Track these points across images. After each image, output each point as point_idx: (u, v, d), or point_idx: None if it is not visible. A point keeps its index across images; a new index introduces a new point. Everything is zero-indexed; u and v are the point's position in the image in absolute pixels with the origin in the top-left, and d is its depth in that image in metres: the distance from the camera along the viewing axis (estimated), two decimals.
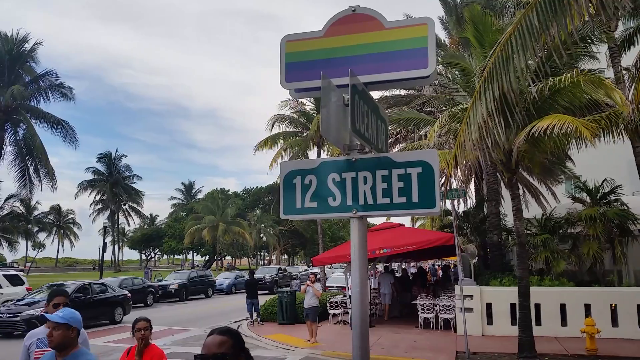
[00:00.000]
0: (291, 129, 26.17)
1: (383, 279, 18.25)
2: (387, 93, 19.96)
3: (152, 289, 26.16)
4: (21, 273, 24.62)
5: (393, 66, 2.67)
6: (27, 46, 29.20)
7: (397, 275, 23.11)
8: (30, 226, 67.21)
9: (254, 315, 17.07)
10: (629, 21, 14.84)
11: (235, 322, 17.89)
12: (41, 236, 78.22)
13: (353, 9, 2.79)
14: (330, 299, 16.99)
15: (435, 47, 2.64)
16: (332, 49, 2.80)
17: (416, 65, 2.63)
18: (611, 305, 12.68)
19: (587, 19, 5.66)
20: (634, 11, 13.49)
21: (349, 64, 2.71)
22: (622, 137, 12.43)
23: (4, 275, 20.34)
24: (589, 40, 11.16)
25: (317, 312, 13.54)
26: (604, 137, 12.22)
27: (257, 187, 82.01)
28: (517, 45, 6.00)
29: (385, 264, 23.81)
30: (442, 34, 23.93)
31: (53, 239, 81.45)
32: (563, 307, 12.84)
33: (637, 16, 14.10)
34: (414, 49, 2.64)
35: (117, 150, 75.76)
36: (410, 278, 23.07)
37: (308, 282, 13.83)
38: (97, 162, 71.90)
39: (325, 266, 25.66)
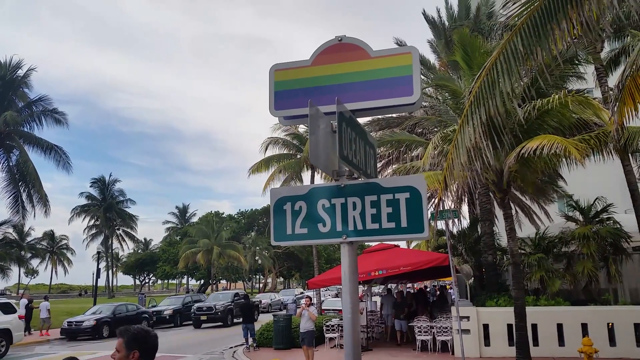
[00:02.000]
0: (284, 152, 26.27)
1: (386, 301, 18.25)
2: (379, 115, 20.16)
3: (147, 315, 25.85)
4: (13, 301, 24.28)
5: (379, 94, 2.74)
6: (21, 72, 29.40)
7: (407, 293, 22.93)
8: (23, 252, 66.53)
9: (250, 340, 16.86)
10: (614, 42, 15.15)
11: (231, 347, 17.65)
12: (34, 262, 77.39)
13: (339, 38, 2.87)
14: (326, 322, 16.83)
15: (419, 75, 2.71)
16: (319, 77, 2.87)
17: (402, 92, 2.70)
18: (608, 324, 12.63)
19: (570, 42, 5.77)
20: (618, 33, 13.79)
21: (336, 92, 2.77)
22: (612, 155, 12.59)
23: None
24: (576, 62, 11.37)
25: (314, 336, 13.37)
26: (594, 156, 12.36)
27: (251, 209, 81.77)
28: (502, 70, 6.12)
29: (381, 285, 23.65)
30: (432, 57, 24.32)
31: (46, 265, 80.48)
32: (560, 326, 12.78)
33: (622, 38, 14.40)
34: (399, 77, 2.71)
35: (110, 175, 75.66)
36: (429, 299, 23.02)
37: (303, 305, 13.69)
38: (90, 187, 71.62)
39: (321, 289, 25.49)
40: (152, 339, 2.81)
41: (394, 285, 28.94)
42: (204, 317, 26.36)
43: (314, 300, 22.76)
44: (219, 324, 26.39)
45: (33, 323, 24.16)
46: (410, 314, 16.97)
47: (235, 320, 26.90)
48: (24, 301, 24.24)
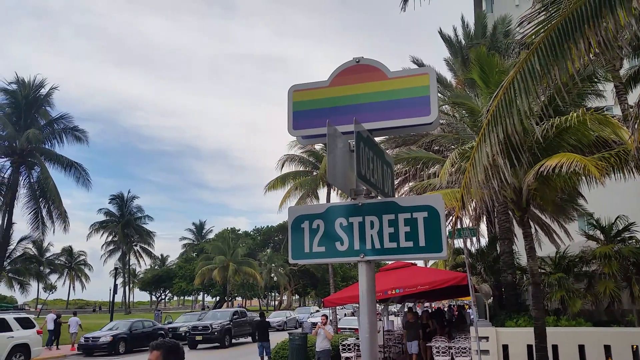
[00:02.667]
0: (301, 169, 26.38)
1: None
2: (396, 134, 20.17)
3: (162, 332, 25.85)
4: (32, 316, 24.61)
5: (397, 114, 2.77)
6: (43, 91, 30.16)
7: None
8: (41, 268, 67.33)
9: (265, 358, 16.77)
10: (634, 59, 15.01)
11: None
12: (52, 278, 78.10)
13: (357, 60, 2.92)
14: (342, 341, 16.66)
15: (437, 95, 2.74)
16: (337, 98, 2.91)
17: (419, 113, 2.73)
18: (633, 346, 12.29)
19: (587, 61, 5.75)
20: (637, 51, 13.68)
21: (354, 112, 2.81)
22: (633, 174, 12.38)
23: (15, 318, 20.31)
24: (595, 79, 11.29)
25: (330, 356, 13.26)
26: (614, 174, 12.17)
27: (267, 226, 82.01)
28: (519, 89, 6.11)
29: (398, 304, 23.39)
30: (448, 75, 24.32)
31: (64, 280, 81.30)
32: (582, 348, 12.46)
33: None
34: (416, 98, 2.74)
35: (129, 192, 76.82)
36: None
37: (319, 324, 13.62)
38: (109, 203, 72.55)
39: (337, 307, 25.30)
40: (182, 350, 3.19)
41: (411, 305, 28.65)
42: (199, 337, 24.58)
43: (330, 319, 22.62)
44: (216, 344, 24.78)
45: (63, 337, 24.62)
46: (426, 334, 16.59)
47: (234, 341, 25.80)
48: (52, 316, 24.82)
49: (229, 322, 25.71)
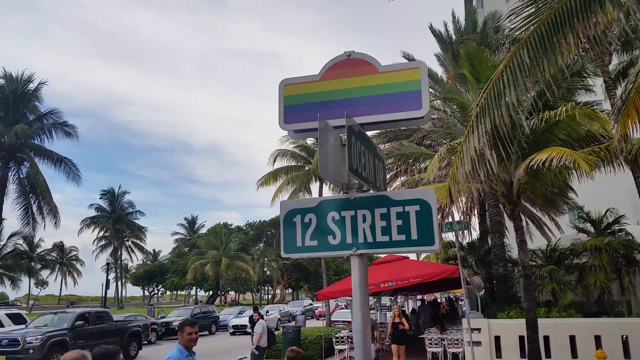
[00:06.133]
0: (293, 164, 26.34)
1: (423, 310, 19.99)
2: (388, 129, 20.18)
3: (156, 326, 25.83)
4: (24, 312, 24.49)
5: (388, 108, 2.78)
6: (32, 86, 29.80)
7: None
8: (33, 264, 66.91)
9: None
10: (622, 55, 15.11)
11: (239, 359, 17.61)
12: (44, 273, 77.75)
13: (348, 54, 2.92)
14: (335, 334, 16.74)
15: (428, 89, 2.75)
16: (328, 92, 2.91)
17: (411, 107, 2.74)
18: (622, 336, 12.45)
19: (577, 55, 5.80)
20: (625, 46, 13.77)
21: (345, 106, 2.81)
22: (623, 167, 12.51)
23: (7, 314, 20.20)
24: (584, 74, 11.37)
25: (263, 351, 13.40)
26: (604, 167, 12.29)
27: (260, 220, 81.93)
28: (508, 82, 6.14)
29: (390, 297, 23.48)
30: (439, 70, 24.34)
31: (56, 276, 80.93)
32: (572, 339, 12.61)
33: (630, 51, 14.37)
34: (408, 92, 2.75)
35: (120, 187, 76.64)
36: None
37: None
38: (100, 198, 72.12)
39: (330, 300, 25.38)
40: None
41: (402, 297, 28.72)
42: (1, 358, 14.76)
43: (323, 310, 22.68)
44: None
45: None
46: (400, 334, 13.74)
47: None
48: None
49: (65, 331, 16.16)
